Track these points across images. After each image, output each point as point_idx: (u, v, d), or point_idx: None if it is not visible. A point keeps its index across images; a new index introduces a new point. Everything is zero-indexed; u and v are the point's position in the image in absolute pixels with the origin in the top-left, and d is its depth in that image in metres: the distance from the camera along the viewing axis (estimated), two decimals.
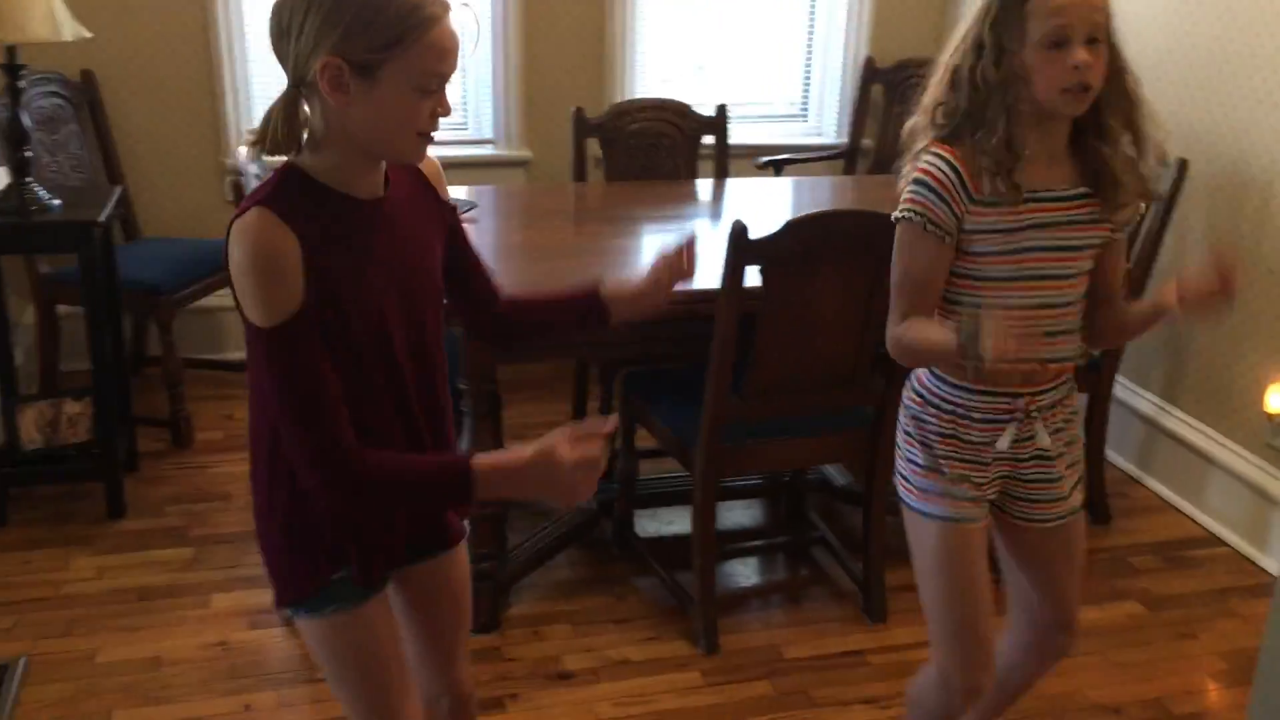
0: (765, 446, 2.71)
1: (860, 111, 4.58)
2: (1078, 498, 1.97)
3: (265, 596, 2.84)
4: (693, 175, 3.83)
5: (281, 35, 1.43)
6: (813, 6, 4.63)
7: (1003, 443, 1.85)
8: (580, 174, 3.70)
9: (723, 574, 3.03)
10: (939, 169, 1.75)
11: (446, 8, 1.45)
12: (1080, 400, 1.95)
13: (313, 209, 1.45)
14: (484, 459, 1.48)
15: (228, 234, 1.44)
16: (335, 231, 1.46)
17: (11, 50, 2.94)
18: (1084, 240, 1.80)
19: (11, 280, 3.65)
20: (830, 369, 2.61)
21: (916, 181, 1.78)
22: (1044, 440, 1.87)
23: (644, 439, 3.05)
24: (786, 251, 2.42)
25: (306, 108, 1.46)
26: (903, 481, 1.95)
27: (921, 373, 1.93)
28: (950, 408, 1.86)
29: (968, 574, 1.90)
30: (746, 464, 2.81)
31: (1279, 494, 3.08)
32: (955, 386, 1.85)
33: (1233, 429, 3.26)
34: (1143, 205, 1.89)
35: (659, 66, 4.54)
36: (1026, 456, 1.89)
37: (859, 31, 4.59)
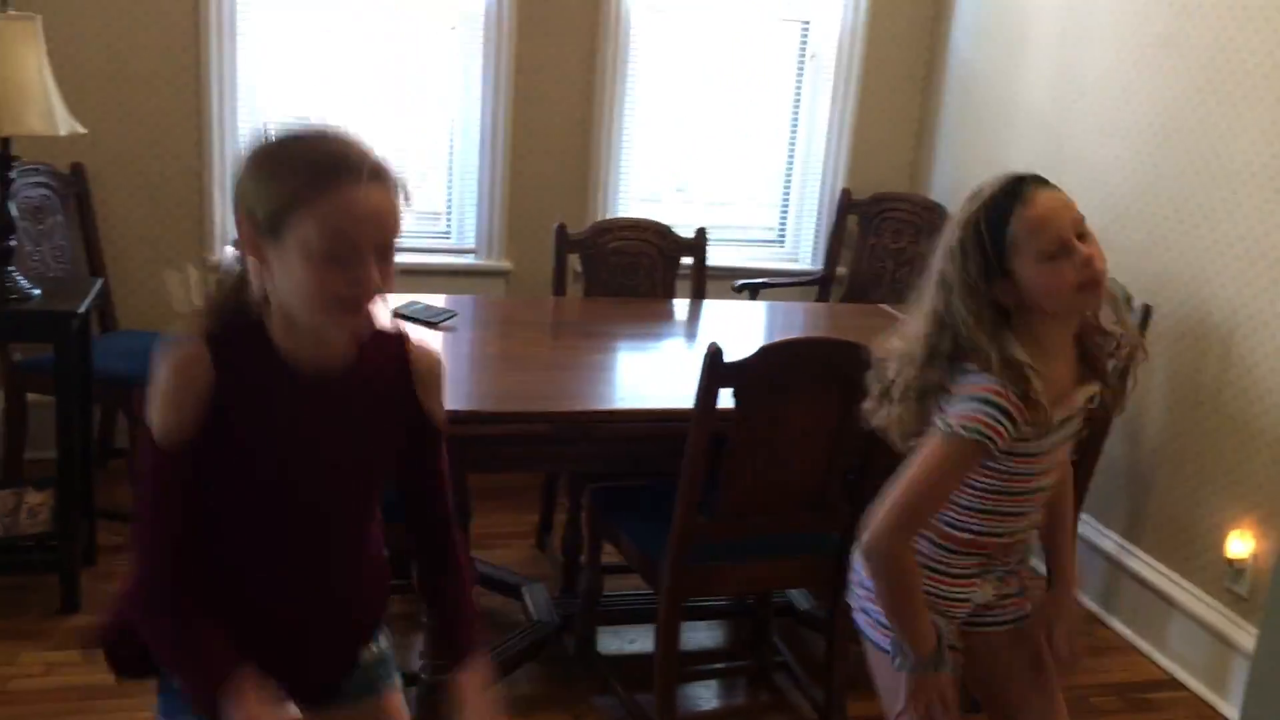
0: (731, 568, 2.71)
1: (836, 240, 4.68)
2: (1020, 606, 2.02)
3: None
4: (670, 295, 3.89)
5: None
6: (792, 137, 4.77)
7: (981, 596, 1.94)
8: (560, 288, 3.75)
9: (683, 695, 3.00)
10: (1007, 391, 1.70)
11: (360, 171, 1.35)
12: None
13: (250, 365, 1.43)
14: (241, 688, 1.40)
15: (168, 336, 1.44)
16: (260, 399, 1.44)
17: (6, 142, 2.98)
18: (1079, 427, 1.88)
19: None
20: (799, 493, 2.63)
21: (986, 400, 1.70)
22: (982, 597, 1.95)
23: (609, 554, 3.04)
24: (760, 376, 2.45)
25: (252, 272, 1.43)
26: (869, 620, 1.95)
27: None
28: (923, 561, 1.89)
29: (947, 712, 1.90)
30: (712, 585, 2.80)
31: (1239, 640, 3.09)
32: (932, 544, 1.89)
33: (1193, 572, 3.28)
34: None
35: (640, 186, 4.64)
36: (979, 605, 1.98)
37: (836, 163, 4.73)
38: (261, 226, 1.36)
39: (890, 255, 4.59)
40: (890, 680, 1.92)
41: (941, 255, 1.78)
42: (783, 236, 4.90)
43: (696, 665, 3.20)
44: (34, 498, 3.19)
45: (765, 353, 2.46)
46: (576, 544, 3.37)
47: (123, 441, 3.74)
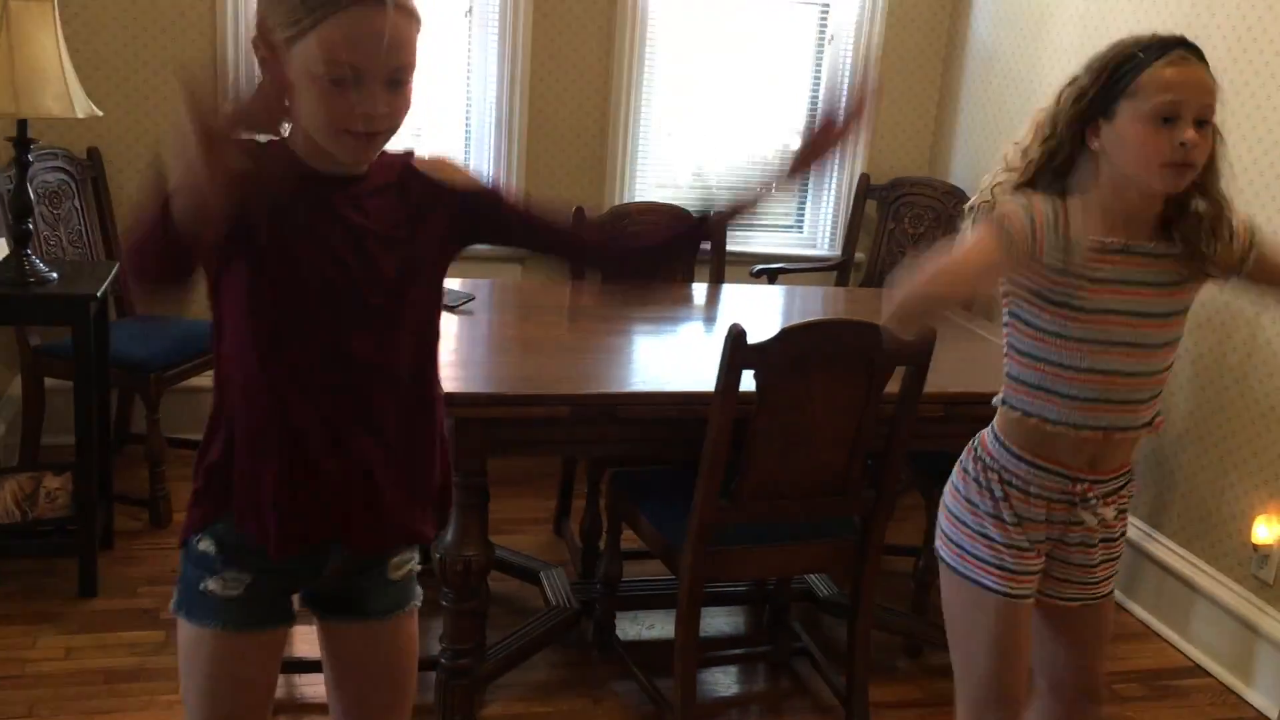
0: (752, 552, 2.69)
1: (854, 226, 4.65)
2: (1110, 585, 1.98)
3: None
4: (689, 279, 3.86)
5: None
6: (811, 122, 4.73)
7: (1089, 519, 1.86)
8: (579, 272, 3.72)
9: (702, 681, 2.98)
10: (1040, 201, 1.67)
11: None
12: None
13: (272, 164, 1.42)
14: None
15: None
16: (284, 185, 1.42)
17: (23, 124, 2.98)
18: (1166, 306, 1.77)
19: (0, 351, 3.64)
20: (821, 477, 2.60)
21: (1014, 199, 1.69)
22: (1089, 520, 1.87)
23: (627, 540, 3.02)
24: (783, 357, 2.43)
25: None
26: (952, 546, 1.92)
27: (987, 437, 1.91)
28: (1009, 479, 1.86)
29: (1019, 647, 1.91)
30: (733, 569, 2.78)
31: (1265, 627, 3.06)
32: (1018, 459, 1.84)
33: (1218, 558, 3.25)
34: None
35: (657, 172, 4.62)
36: (1072, 541, 1.90)
37: (855, 149, 4.69)
38: (275, 41, 1.34)
39: (909, 241, 4.56)
40: (964, 609, 1.92)
41: (1081, 69, 1.73)
42: (801, 222, 4.87)
43: (716, 651, 3.19)
44: (52, 482, 3.18)
45: (787, 334, 2.43)
46: (595, 529, 3.36)
47: (140, 427, 3.73)
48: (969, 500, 1.91)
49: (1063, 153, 1.73)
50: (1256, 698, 3.07)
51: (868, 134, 4.68)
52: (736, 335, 2.38)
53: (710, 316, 3.51)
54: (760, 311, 3.53)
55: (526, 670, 2.96)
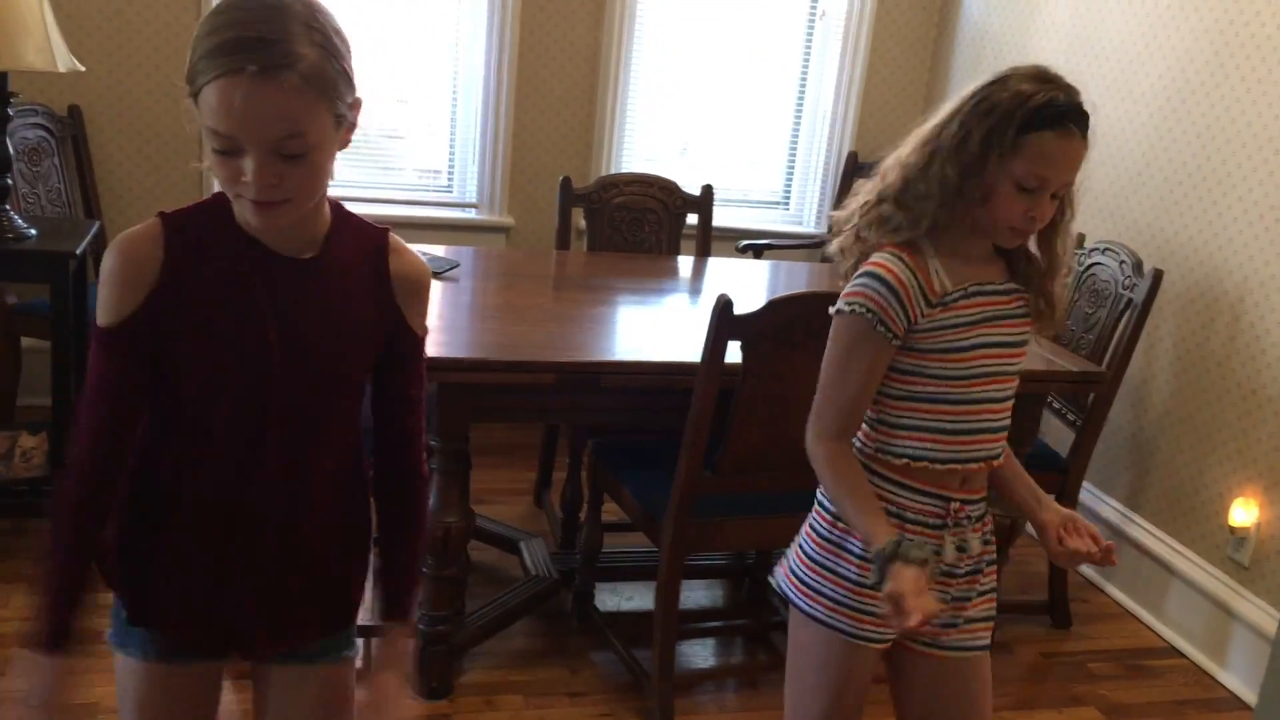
0: (734, 524, 2.68)
1: (841, 203, 4.62)
2: (987, 637, 1.86)
3: None
4: (675, 252, 3.85)
5: None
6: (800, 99, 4.72)
7: (947, 552, 1.76)
8: (564, 242, 3.71)
9: (680, 653, 2.98)
10: (897, 267, 1.68)
11: (243, 65, 1.20)
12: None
13: (211, 243, 1.35)
14: (44, 640, 1.46)
15: None
16: (218, 276, 1.35)
17: (4, 77, 2.93)
18: (1020, 335, 1.78)
19: None
20: (803, 449, 2.59)
21: (871, 275, 1.68)
22: (948, 554, 1.77)
23: (608, 512, 3.02)
24: (769, 329, 2.42)
25: None
26: (799, 585, 1.82)
27: None
28: (885, 506, 1.76)
29: (855, 691, 1.83)
30: (714, 540, 2.78)
31: (1239, 609, 3.08)
32: (890, 482, 1.77)
33: (1195, 540, 3.27)
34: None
35: (645, 145, 4.59)
36: (940, 572, 1.78)
37: (844, 125, 4.68)
38: (191, 93, 1.26)
39: None
40: (810, 652, 1.83)
41: (953, 113, 1.69)
42: (787, 199, 4.86)
43: (694, 623, 3.19)
44: (28, 441, 3.15)
45: (774, 305, 2.43)
46: (576, 500, 3.35)
47: None
48: (824, 537, 1.82)
49: (945, 193, 1.68)
50: (1230, 679, 3.10)
51: (855, 112, 4.67)
52: (724, 305, 2.37)
53: (696, 289, 3.50)
54: (746, 285, 3.51)
55: (505, 639, 2.95)
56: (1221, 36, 3.22)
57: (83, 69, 3.12)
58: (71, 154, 3.88)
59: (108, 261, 1.33)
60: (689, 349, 2.51)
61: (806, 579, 1.82)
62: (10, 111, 3.00)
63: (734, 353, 2.44)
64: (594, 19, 4.33)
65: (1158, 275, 3.14)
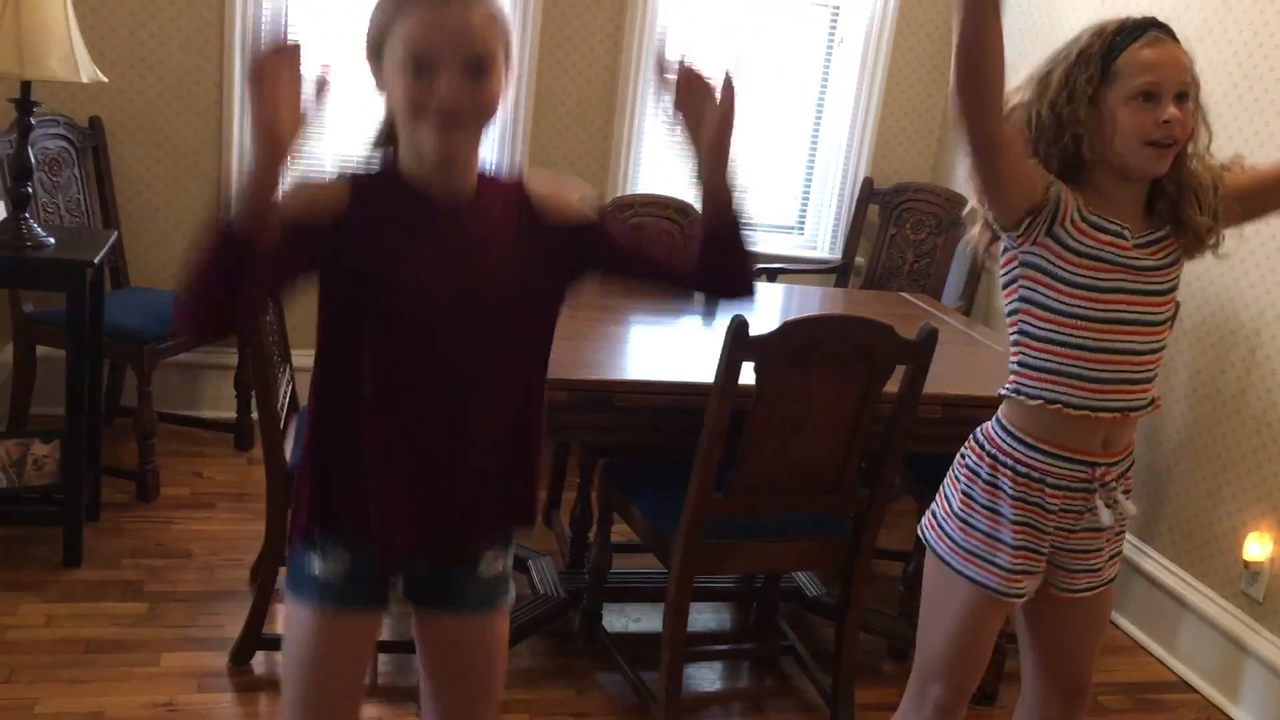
0: (744, 547, 2.67)
1: (855, 229, 4.64)
2: (1113, 570, 2.00)
3: (217, 659, 2.76)
4: None
5: None
6: (816, 125, 4.73)
7: (1105, 516, 1.87)
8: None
9: (687, 676, 2.95)
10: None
11: None
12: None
13: (383, 198, 1.50)
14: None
15: None
16: (391, 228, 1.49)
17: (27, 86, 2.95)
18: (1167, 284, 1.83)
19: None
20: (816, 474, 2.59)
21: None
22: (1105, 518, 1.88)
23: (617, 533, 3.01)
24: (784, 351, 2.41)
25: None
26: (940, 533, 1.94)
27: (993, 431, 1.90)
28: (1026, 471, 1.86)
29: (982, 637, 1.95)
30: (724, 563, 2.76)
31: (1252, 644, 3.05)
32: (1033, 449, 1.85)
33: (1208, 574, 3.24)
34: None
35: (660, 167, 4.60)
36: (1078, 528, 1.90)
37: (859, 151, 4.69)
38: (372, 54, 1.49)
39: (910, 246, 4.55)
40: (943, 597, 1.95)
41: (1057, 56, 1.79)
42: (802, 224, 4.86)
43: (701, 646, 3.18)
44: (40, 449, 3.16)
45: (789, 328, 2.42)
46: (585, 520, 3.34)
47: (130, 400, 3.71)
48: (968, 495, 1.91)
49: (1066, 141, 1.77)
50: (1242, 715, 3.07)
51: (871, 138, 4.68)
52: (738, 326, 2.37)
53: (709, 310, 3.49)
54: (759, 308, 3.50)
55: (511, 658, 2.90)
56: (1240, 67, 3.22)
57: (105, 80, 3.14)
58: (91, 165, 3.91)
59: (308, 185, 1.49)
60: (702, 370, 2.51)
61: (947, 528, 1.93)
62: (32, 121, 3.02)
63: (747, 374, 2.43)
64: (612, 40, 4.35)
65: (1175, 306, 3.12)
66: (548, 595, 3.08)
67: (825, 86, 4.68)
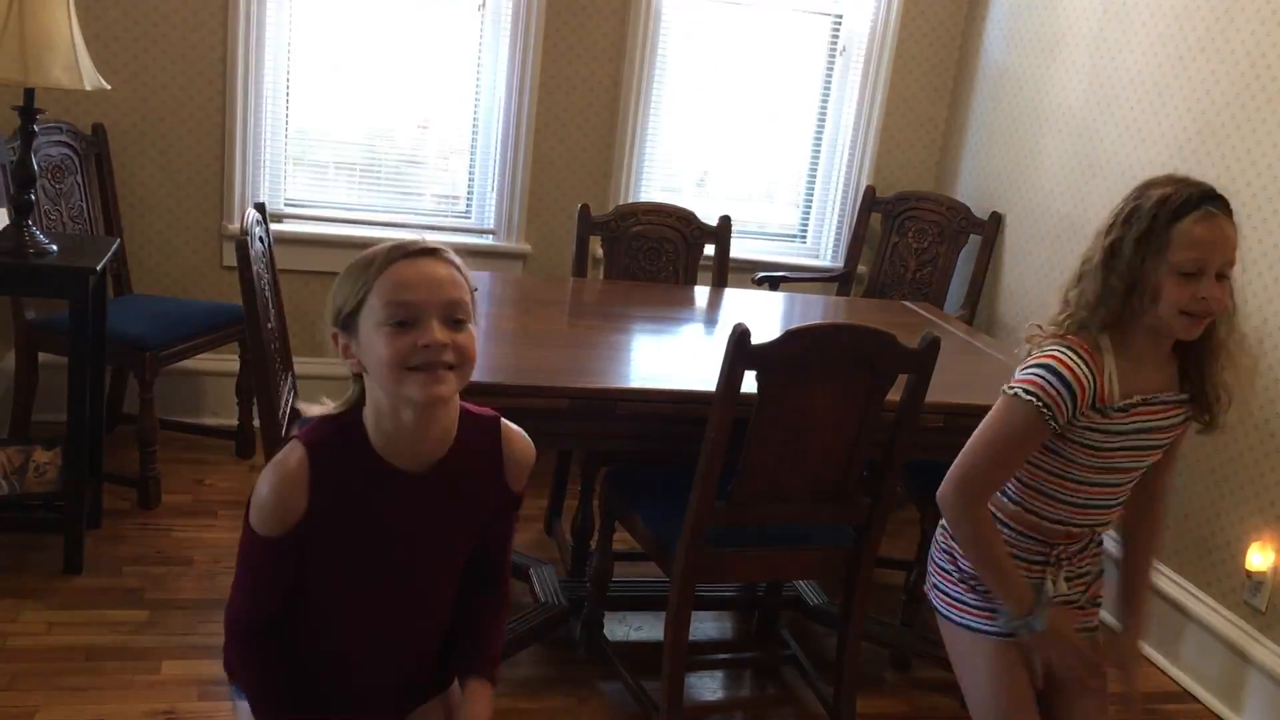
0: (746, 555, 2.67)
1: (857, 238, 4.64)
2: (1093, 616, 2.09)
3: (218, 668, 2.73)
4: (691, 282, 3.85)
5: None
6: (818, 133, 4.73)
7: (1058, 587, 1.97)
8: (581, 270, 3.72)
9: (688, 685, 2.95)
10: (1078, 366, 1.84)
11: (413, 250, 1.51)
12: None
13: (349, 468, 1.56)
14: None
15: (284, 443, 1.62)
16: (356, 500, 1.56)
17: (31, 94, 2.95)
18: (1167, 440, 1.96)
19: None
20: (818, 482, 2.59)
21: (1049, 369, 1.84)
22: (1060, 589, 1.99)
23: (618, 541, 3.00)
24: (786, 359, 2.41)
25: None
26: (944, 598, 2.05)
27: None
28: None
29: (1016, 682, 2.00)
30: (726, 571, 2.76)
31: (1255, 654, 3.04)
32: (999, 522, 1.98)
33: (1211, 584, 3.23)
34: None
35: (663, 175, 4.61)
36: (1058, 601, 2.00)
37: (862, 160, 4.69)
38: (344, 325, 1.53)
39: (913, 254, 4.55)
40: (965, 656, 2.03)
41: (1107, 229, 1.88)
42: (804, 232, 4.86)
43: (703, 655, 3.17)
44: (41, 456, 3.15)
45: (791, 336, 2.42)
46: (587, 528, 3.34)
47: (132, 407, 3.71)
48: (946, 570, 2.06)
49: (1111, 296, 1.86)
50: None
51: (874, 147, 4.68)
52: (741, 334, 2.36)
53: (712, 318, 3.50)
54: (761, 316, 3.51)
55: (512, 666, 2.93)
56: (1243, 78, 3.22)
57: (109, 88, 3.15)
58: (94, 172, 3.91)
59: (266, 493, 1.54)
60: (704, 378, 2.51)
61: (944, 587, 2.04)
62: (35, 128, 3.02)
63: (749, 383, 2.43)
64: (615, 49, 4.36)
65: None
66: (549, 603, 3.08)
67: (827, 95, 4.69)
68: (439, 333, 1.48)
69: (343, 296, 1.53)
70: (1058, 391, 1.83)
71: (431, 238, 1.56)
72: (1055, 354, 1.85)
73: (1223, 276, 1.82)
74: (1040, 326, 1.95)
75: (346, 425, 1.58)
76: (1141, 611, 2.09)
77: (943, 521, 2.04)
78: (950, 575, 2.04)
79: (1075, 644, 1.95)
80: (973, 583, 2.00)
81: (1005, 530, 1.98)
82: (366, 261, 1.52)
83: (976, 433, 1.90)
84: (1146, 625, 2.09)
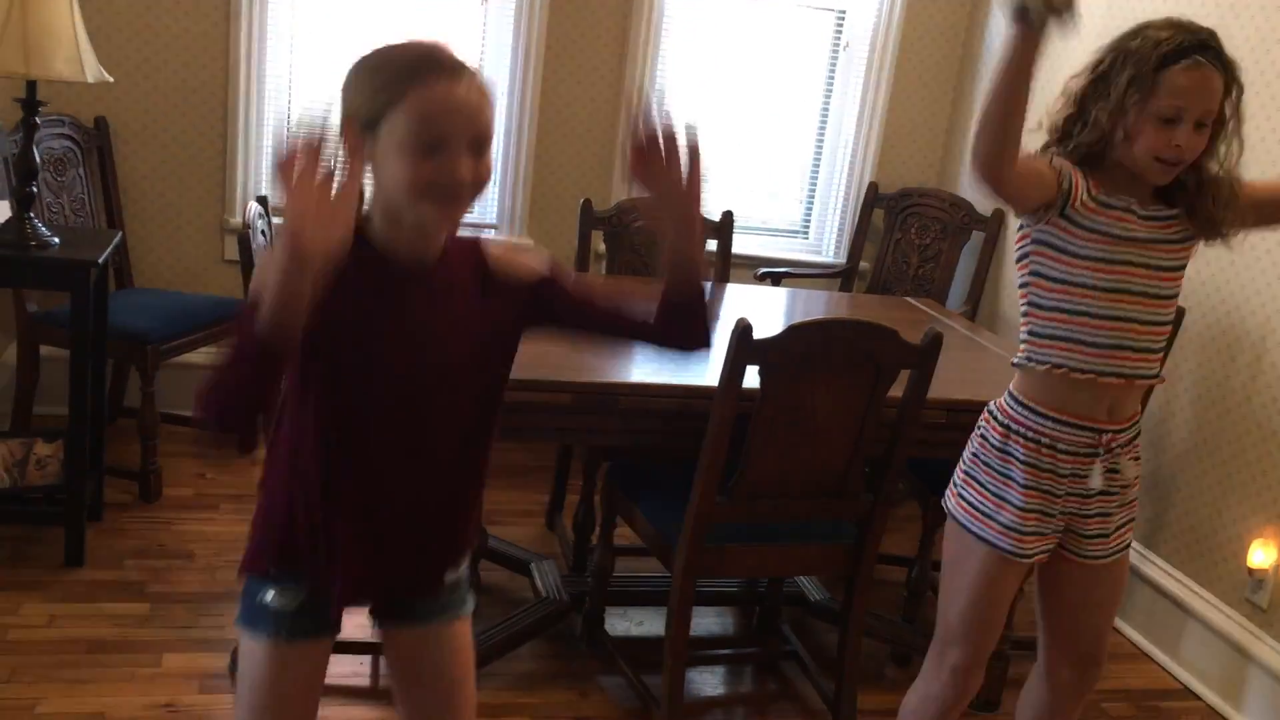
0: (747, 551, 2.67)
1: (860, 234, 4.63)
2: (1127, 536, 2.11)
3: (219, 661, 2.75)
4: None
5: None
6: (821, 129, 4.73)
7: (1095, 480, 2.00)
8: (583, 264, 3.72)
9: (689, 680, 2.95)
10: (1068, 165, 1.91)
11: (446, 68, 1.42)
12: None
13: (352, 259, 1.43)
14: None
15: None
16: (352, 281, 1.44)
17: (33, 86, 2.95)
18: (1174, 260, 1.96)
19: None
20: (820, 478, 2.58)
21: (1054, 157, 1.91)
22: (1095, 482, 2.01)
23: (619, 536, 3.00)
24: (788, 354, 2.41)
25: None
26: (959, 499, 2.08)
27: (1005, 403, 2.04)
28: (1035, 437, 1.99)
29: (996, 598, 2.08)
30: (728, 567, 2.75)
31: (1257, 652, 3.04)
32: (1044, 416, 1.98)
33: (1212, 581, 3.23)
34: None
35: None
36: (1092, 494, 2.02)
37: (864, 156, 4.68)
38: (362, 126, 1.43)
39: (915, 251, 4.54)
40: (961, 559, 2.08)
41: (1095, 64, 1.93)
42: (806, 228, 4.86)
43: (704, 650, 3.17)
44: (43, 449, 3.15)
45: (794, 331, 2.42)
46: (588, 523, 3.34)
47: (133, 400, 3.71)
48: (986, 464, 2.05)
49: (1088, 127, 1.91)
50: None
51: (877, 143, 4.67)
52: (743, 329, 2.36)
53: (714, 313, 3.48)
54: (764, 311, 3.50)
55: (513, 660, 2.93)
56: (1248, 70, 3.21)
57: (111, 80, 3.14)
58: (96, 165, 3.91)
59: (265, 259, 1.42)
60: (706, 373, 2.50)
61: (966, 494, 2.07)
62: (37, 120, 3.02)
63: (751, 378, 2.43)
64: (618, 44, 4.35)
65: (1180, 313, 3.12)
66: (550, 598, 3.08)
67: (830, 91, 4.68)
68: (465, 163, 1.43)
69: (361, 100, 1.44)
70: (1056, 150, 1.93)
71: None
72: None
73: (1202, 125, 1.86)
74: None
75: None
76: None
77: (979, 423, 2.07)
78: (972, 476, 2.06)
79: None
80: (991, 484, 2.03)
81: (1051, 425, 1.97)
82: (397, 67, 1.42)
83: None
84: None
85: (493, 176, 1.50)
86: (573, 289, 1.67)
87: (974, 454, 2.08)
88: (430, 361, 1.55)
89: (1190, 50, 1.84)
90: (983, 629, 2.11)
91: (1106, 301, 1.93)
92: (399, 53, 1.45)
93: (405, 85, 1.41)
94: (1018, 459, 2.00)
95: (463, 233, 1.60)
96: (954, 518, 2.10)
